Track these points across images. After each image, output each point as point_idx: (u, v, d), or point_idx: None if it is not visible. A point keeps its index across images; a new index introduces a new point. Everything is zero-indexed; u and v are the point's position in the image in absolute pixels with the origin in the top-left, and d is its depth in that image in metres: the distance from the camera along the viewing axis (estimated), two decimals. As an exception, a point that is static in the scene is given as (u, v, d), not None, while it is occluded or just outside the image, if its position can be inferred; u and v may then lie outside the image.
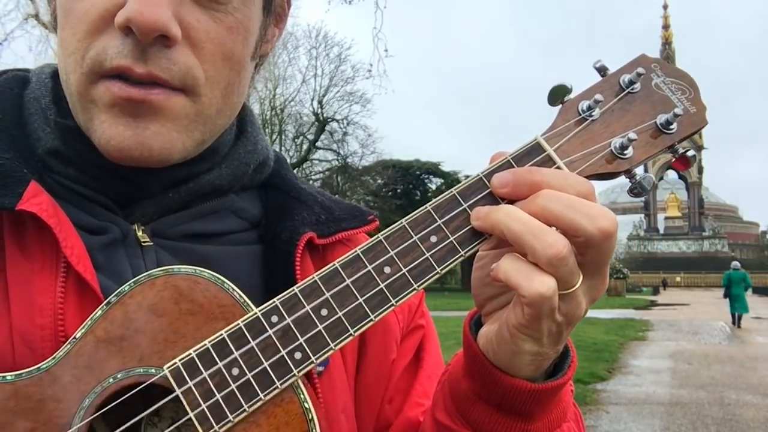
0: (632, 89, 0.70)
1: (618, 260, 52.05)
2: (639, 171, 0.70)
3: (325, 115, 32.41)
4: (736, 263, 22.10)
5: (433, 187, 40.09)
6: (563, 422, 0.73)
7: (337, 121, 32.80)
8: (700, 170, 75.59)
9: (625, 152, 0.68)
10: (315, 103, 32.32)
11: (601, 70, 0.71)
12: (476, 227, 0.64)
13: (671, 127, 0.69)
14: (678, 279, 67.82)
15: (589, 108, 0.69)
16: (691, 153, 0.70)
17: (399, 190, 38.46)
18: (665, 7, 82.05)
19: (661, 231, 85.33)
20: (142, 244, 0.74)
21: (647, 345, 15.40)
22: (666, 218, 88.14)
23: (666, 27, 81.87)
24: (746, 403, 8.75)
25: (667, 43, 79.70)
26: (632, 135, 0.67)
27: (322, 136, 32.93)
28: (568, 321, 0.63)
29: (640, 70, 0.70)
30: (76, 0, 0.68)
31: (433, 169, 40.35)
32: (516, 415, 0.69)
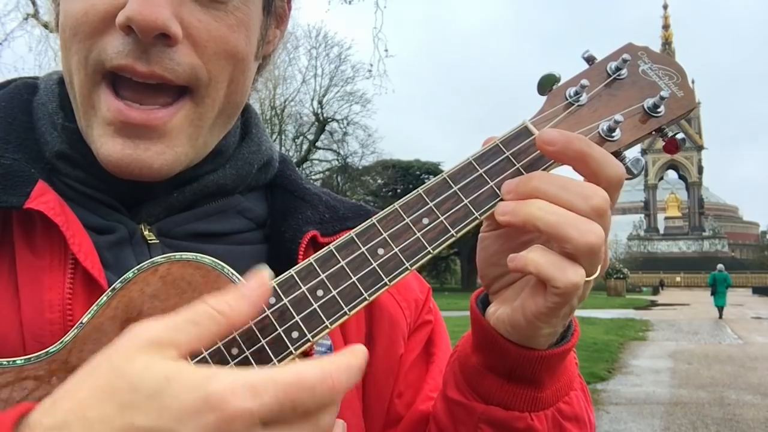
0: (619, 75, 0.72)
1: (618, 260, 52.00)
2: (629, 154, 0.71)
3: (325, 115, 32.38)
4: (720, 266, 27.28)
5: (434, 187, 39.87)
6: (570, 390, 0.75)
7: (337, 121, 32.79)
8: (700, 170, 75.51)
9: (613, 134, 0.69)
10: (315, 103, 32.32)
11: (590, 60, 0.73)
12: (503, 222, 0.65)
13: (659, 110, 0.71)
14: (678, 279, 67.79)
15: (576, 93, 0.70)
16: (680, 136, 0.71)
17: (399, 190, 38.38)
18: (665, 7, 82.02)
19: (661, 231, 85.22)
20: (149, 243, 0.75)
21: (647, 345, 15.40)
22: (666, 218, 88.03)
23: (666, 27, 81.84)
24: (746, 403, 8.75)
25: (667, 43, 79.63)
26: (618, 117, 0.69)
27: (322, 136, 32.91)
28: (580, 300, 0.66)
29: (626, 56, 0.72)
30: (77, 2, 0.69)
31: (433, 169, 40.28)
32: (526, 383, 0.70)
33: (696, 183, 76.88)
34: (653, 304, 34.43)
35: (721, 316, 24.15)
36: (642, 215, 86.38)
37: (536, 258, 0.62)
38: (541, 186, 0.63)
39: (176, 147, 0.71)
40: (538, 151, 0.67)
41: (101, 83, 0.69)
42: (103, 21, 0.68)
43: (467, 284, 42.68)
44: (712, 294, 25.49)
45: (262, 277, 0.57)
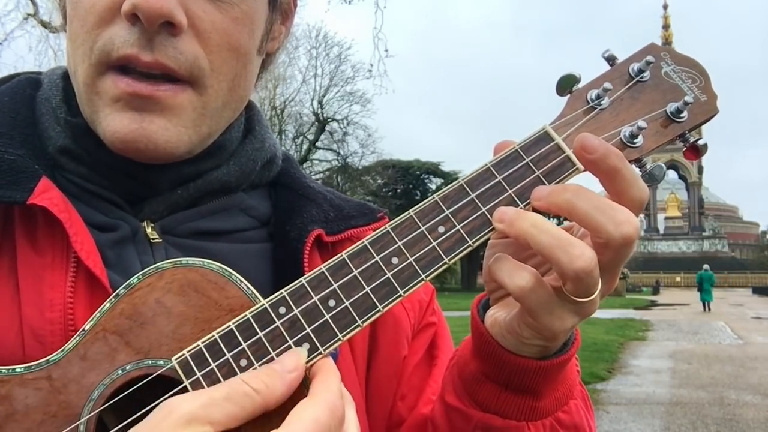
0: (642, 78, 0.70)
1: (618, 260, 51.84)
2: (649, 160, 0.69)
3: (325, 115, 32.36)
4: (706, 266, 30.84)
5: (433, 187, 40.09)
6: (570, 399, 0.74)
7: (337, 121, 32.76)
8: (700, 170, 75.70)
9: (635, 141, 0.67)
10: (315, 103, 32.27)
11: (610, 60, 0.71)
12: (499, 230, 0.63)
13: (682, 115, 0.69)
14: (678, 279, 67.83)
15: (598, 97, 0.68)
16: (702, 142, 0.69)
17: (399, 190, 38.44)
18: (665, 7, 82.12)
19: (661, 231, 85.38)
20: (152, 241, 0.75)
21: (647, 345, 15.41)
22: (666, 218, 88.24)
23: (666, 27, 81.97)
24: (746, 403, 8.75)
25: (667, 42, 79.76)
26: (642, 123, 0.67)
27: (322, 136, 32.88)
28: (581, 319, 0.64)
29: (650, 58, 0.70)
30: None
31: (433, 169, 40.35)
32: (524, 393, 0.70)
33: (696, 183, 77.05)
34: (653, 304, 34.46)
35: (708, 310, 27.45)
36: (642, 215, 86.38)
37: (523, 285, 0.61)
38: (574, 201, 0.60)
39: (179, 126, 0.71)
40: (559, 159, 0.65)
41: (106, 73, 0.69)
42: (110, 10, 0.67)
43: (467, 284, 42.69)
44: (699, 290, 28.88)
45: (300, 357, 0.58)
